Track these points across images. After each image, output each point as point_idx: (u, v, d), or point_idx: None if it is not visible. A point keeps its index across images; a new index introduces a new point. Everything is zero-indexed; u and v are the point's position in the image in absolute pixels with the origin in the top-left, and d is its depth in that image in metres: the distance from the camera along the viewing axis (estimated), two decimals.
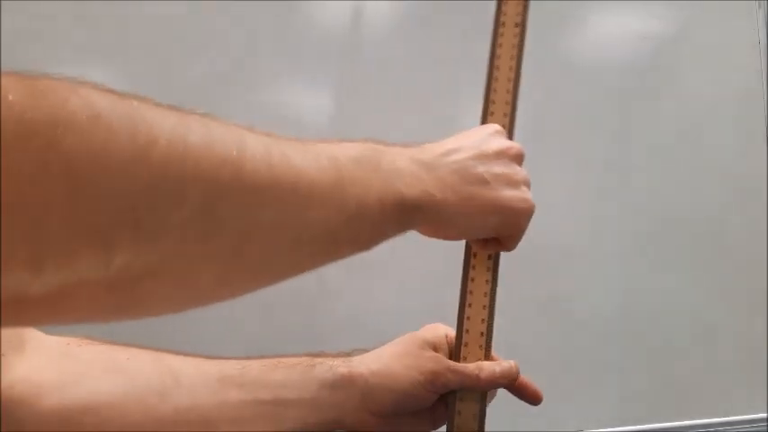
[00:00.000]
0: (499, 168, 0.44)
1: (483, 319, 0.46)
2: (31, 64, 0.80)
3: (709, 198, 1.06)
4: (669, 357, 1.03)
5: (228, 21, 0.93)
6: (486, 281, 0.46)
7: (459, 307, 0.47)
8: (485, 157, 0.44)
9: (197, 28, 0.92)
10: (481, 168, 0.43)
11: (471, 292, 0.46)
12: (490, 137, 0.46)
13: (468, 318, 0.47)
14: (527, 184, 0.46)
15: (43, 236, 0.22)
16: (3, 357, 0.42)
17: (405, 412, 0.49)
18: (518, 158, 0.47)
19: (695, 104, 1.08)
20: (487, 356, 0.47)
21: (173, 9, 0.91)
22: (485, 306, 0.46)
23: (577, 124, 1.04)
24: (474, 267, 0.46)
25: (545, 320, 1.00)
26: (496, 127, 0.48)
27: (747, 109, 1.09)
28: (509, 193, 0.44)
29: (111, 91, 0.26)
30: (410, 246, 0.93)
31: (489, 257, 0.46)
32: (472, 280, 0.46)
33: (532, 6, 1.00)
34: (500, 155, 0.45)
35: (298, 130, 1.04)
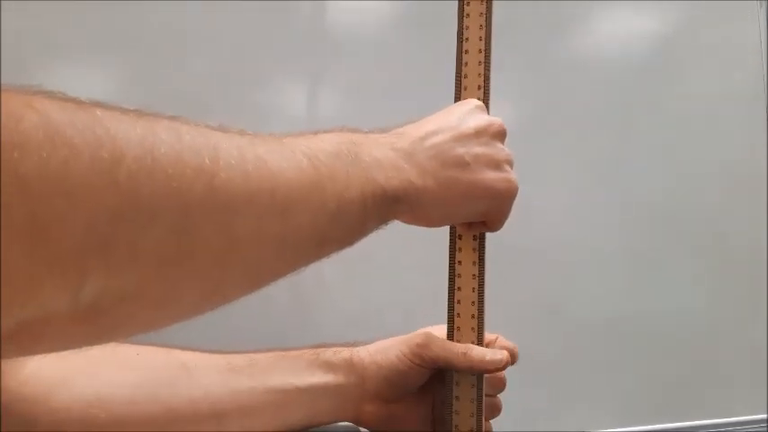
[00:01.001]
0: (480, 148, 0.43)
1: (473, 302, 0.46)
2: (32, 64, 0.80)
3: (710, 198, 1.06)
4: (669, 358, 1.03)
5: (228, 20, 0.93)
6: (474, 262, 0.46)
7: (449, 291, 0.47)
8: (464, 138, 0.43)
9: (197, 28, 0.92)
10: (460, 150, 0.42)
11: (459, 276, 0.46)
12: (469, 114, 0.45)
13: (459, 301, 0.46)
14: (510, 162, 0.45)
15: (3, 271, 0.20)
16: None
17: (403, 394, 0.50)
18: (500, 135, 0.45)
19: (697, 104, 1.08)
20: (480, 339, 0.46)
21: (172, 9, 0.91)
22: (474, 288, 0.46)
23: (578, 124, 1.04)
24: (460, 250, 0.45)
25: (545, 321, 1.00)
26: (476, 102, 0.47)
27: (749, 109, 1.09)
28: (491, 175, 0.43)
29: (71, 99, 0.24)
30: (408, 240, 0.93)
31: (474, 238, 0.45)
32: (459, 263, 0.45)
33: (534, 6, 1.00)
34: (480, 133, 0.44)
35: (296, 130, 1.04)
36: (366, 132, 0.42)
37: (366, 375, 0.49)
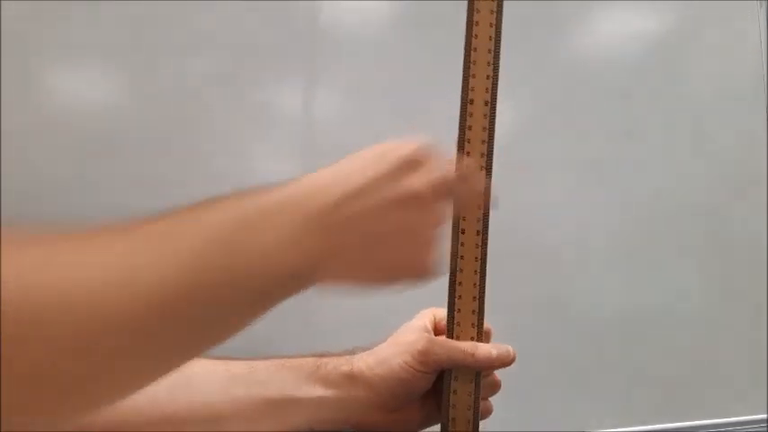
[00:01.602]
0: (399, 217, 0.37)
1: (474, 297, 0.46)
2: (32, 64, 0.80)
3: (710, 197, 1.06)
4: (669, 358, 1.02)
5: (228, 20, 0.93)
6: (476, 258, 0.45)
7: (450, 286, 0.46)
8: (385, 205, 0.36)
9: (197, 28, 0.92)
10: (380, 225, 0.36)
11: (461, 270, 0.45)
12: (391, 172, 0.37)
13: (460, 297, 0.46)
14: (436, 223, 0.39)
15: None
16: None
17: (408, 401, 0.49)
18: (427, 171, 0.38)
19: (697, 104, 1.08)
20: (480, 334, 0.46)
21: (172, 9, 0.91)
22: (475, 284, 0.45)
23: (578, 123, 1.04)
24: (463, 244, 0.45)
25: (545, 320, 1.00)
26: (396, 147, 0.39)
27: (749, 108, 1.09)
28: (407, 252, 0.38)
29: None
30: None
31: (477, 233, 0.45)
32: (461, 257, 0.45)
33: (534, 6, 1.00)
34: (408, 196, 0.37)
35: (296, 130, 1.03)
36: (264, 192, 0.35)
37: (370, 389, 0.49)
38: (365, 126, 0.96)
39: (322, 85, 0.97)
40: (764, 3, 1.09)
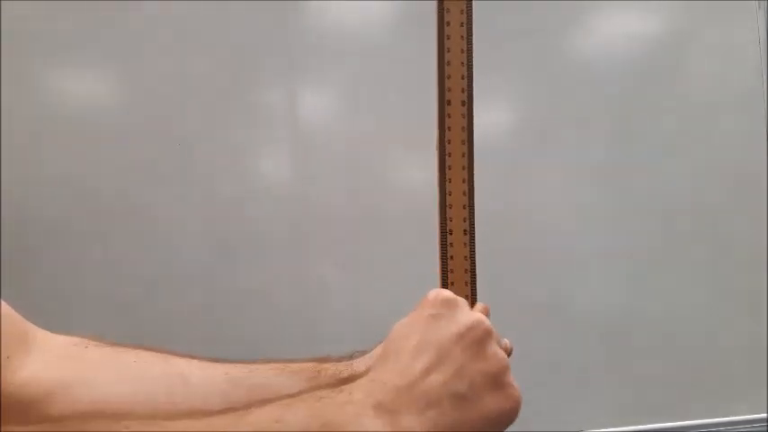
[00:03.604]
0: (477, 368, 0.38)
1: (466, 296, 0.46)
2: (31, 64, 0.80)
3: (709, 198, 1.06)
4: (670, 358, 1.03)
5: (229, 21, 0.93)
6: (465, 257, 0.45)
7: (441, 287, 0.47)
8: (462, 370, 0.37)
9: (197, 28, 0.92)
10: (460, 386, 0.37)
11: (452, 271, 0.46)
12: (458, 335, 0.38)
13: (452, 257, 0.46)
14: (507, 367, 0.40)
15: None
16: (8, 360, 0.42)
17: None
18: (488, 335, 0.40)
19: (696, 104, 1.08)
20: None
21: (173, 9, 0.91)
22: (466, 282, 0.46)
23: (578, 124, 1.04)
24: (452, 245, 0.45)
25: (545, 321, 1.00)
26: (444, 296, 0.40)
27: (748, 108, 1.09)
28: (493, 398, 0.38)
29: None
30: (406, 245, 0.92)
31: (465, 233, 0.45)
32: (451, 258, 0.45)
33: (539, 7, 1.00)
34: (479, 349, 0.38)
35: (297, 130, 1.03)
36: (335, 391, 0.37)
37: None
38: (356, 125, 0.96)
39: (320, 85, 0.97)
40: (764, 3, 1.09)
